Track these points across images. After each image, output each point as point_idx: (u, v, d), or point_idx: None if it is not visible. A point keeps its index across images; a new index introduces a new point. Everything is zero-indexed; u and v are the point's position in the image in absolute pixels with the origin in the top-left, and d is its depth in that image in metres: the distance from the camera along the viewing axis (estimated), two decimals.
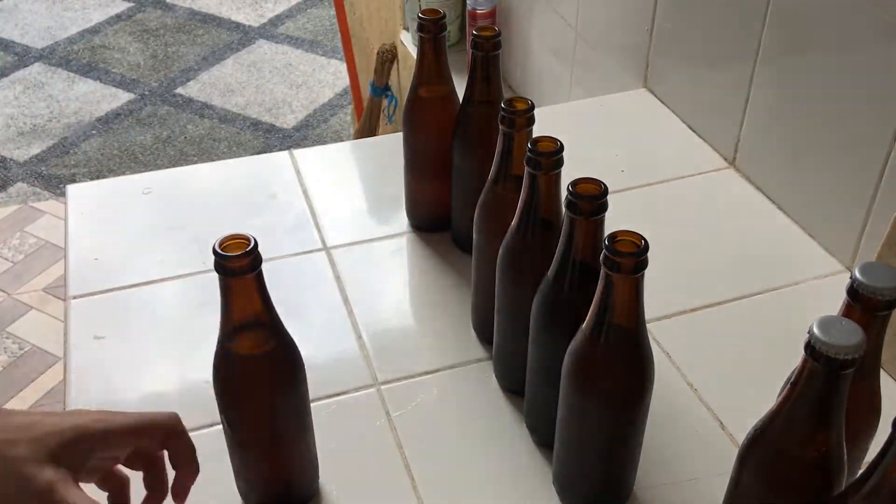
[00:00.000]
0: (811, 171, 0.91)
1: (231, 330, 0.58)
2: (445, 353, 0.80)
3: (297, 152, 1.05)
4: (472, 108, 0.81)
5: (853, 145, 0.84)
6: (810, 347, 0.47)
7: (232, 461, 0.65)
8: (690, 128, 1.10)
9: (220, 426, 0.64)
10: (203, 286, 0.87)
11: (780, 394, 0.51)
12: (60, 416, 0.56)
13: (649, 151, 1.07)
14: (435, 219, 0.93)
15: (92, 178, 2.58)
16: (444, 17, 0.81)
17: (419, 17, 0.81)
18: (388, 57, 1.95)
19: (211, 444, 0.72)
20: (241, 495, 0.67)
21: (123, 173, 2.62)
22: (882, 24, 0.78)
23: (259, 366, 0.60)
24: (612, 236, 0.54)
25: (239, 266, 0.54)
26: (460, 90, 0.84)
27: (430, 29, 0.81)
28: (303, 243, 0.92)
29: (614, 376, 0.59)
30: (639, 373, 0.59)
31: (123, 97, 2.99)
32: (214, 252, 0.54)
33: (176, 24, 3.40)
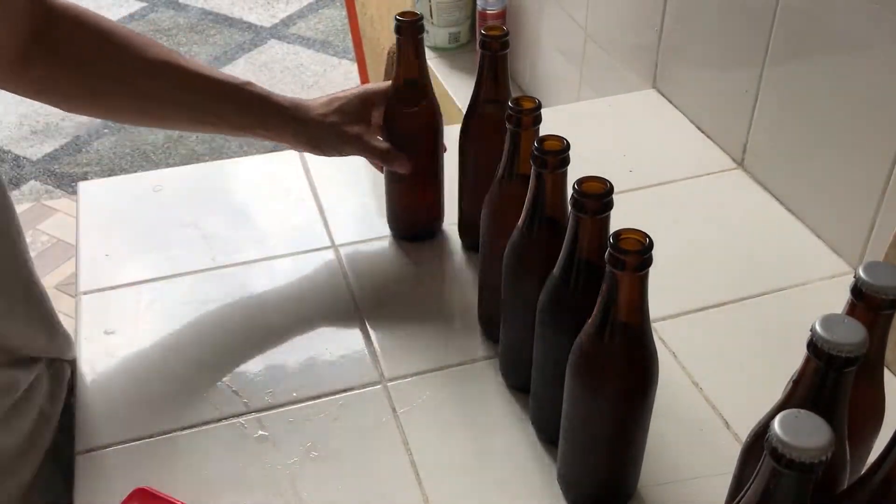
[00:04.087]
0: (819, 171, 0.91)
1: None
2: (452, 350, 0.81)
3: None
4: (480, 107, 0.82)
5: (861, 146, 0.84)
6: (813, 345, 0.47)
7: None
8: (699, 128, 1.10)
9: (230, 422, 0.64)
10: (213, 282, 0.87)
11: (783, 392, 0.52)
12: (343, 93, 0.86)
13: (657, 152, 1.07)
14: (421, 226, 0.94)
15: (104, 177, 2.60)
16: (421, 18, 0.82)
17: (396, 19, 0.81)
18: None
19: (221, 438, 0.73)
20: None
21: (135, 172, 2.63)
22: (890, 24, 0.78)
23: None
24: (617, 234, 0.54)
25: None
26: (469, 91, 0.84)
27: (408, 30, 0.82)
28: (311, 241, 0.93)
29: (619, 374, 0.60)
30: (643, 370, 0.59)
31: None
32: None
33: (188, 24, 3.42)
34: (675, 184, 1.02)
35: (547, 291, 0.64)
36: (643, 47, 1.18)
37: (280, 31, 3.40)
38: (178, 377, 0.79)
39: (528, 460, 0.71)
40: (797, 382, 0.49)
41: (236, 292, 0.86)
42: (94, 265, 0.90)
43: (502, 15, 1.58)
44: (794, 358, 0.50)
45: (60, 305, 0.80)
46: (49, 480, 0.73)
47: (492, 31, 0.77)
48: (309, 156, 1.04)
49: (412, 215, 0.93)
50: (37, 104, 2.94)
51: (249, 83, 0.81)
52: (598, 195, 0.58)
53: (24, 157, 2.73)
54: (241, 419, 0.74)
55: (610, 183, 0.59)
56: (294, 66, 3.18)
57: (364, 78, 2.42)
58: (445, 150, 0.88)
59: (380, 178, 0.92)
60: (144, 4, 3.53)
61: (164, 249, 0.92)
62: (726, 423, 0.74)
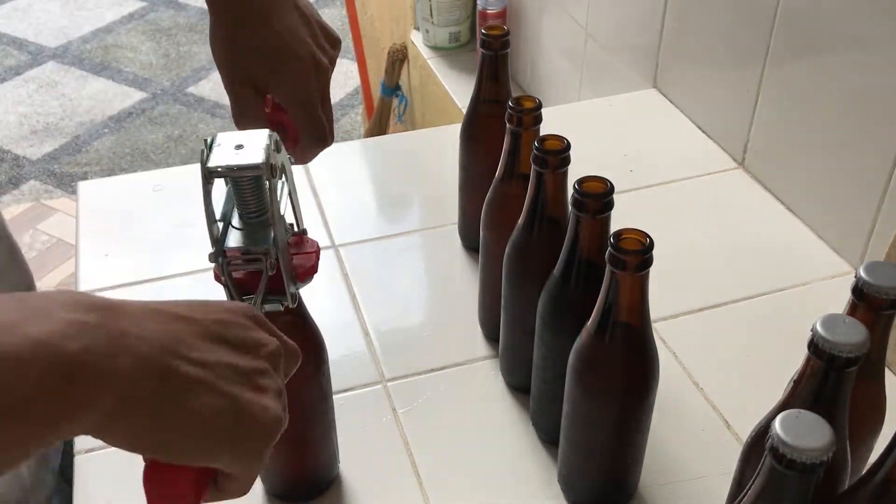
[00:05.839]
0: (820, 171, 0.91)
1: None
2: (452, 350, 0.81)
3: None
4: (480, 106, 0.82)
5: (862, 146, 0.84)
6: (814, 345, 0.47)
7: None
8: (699, 128, 1.10)
9: None
10: (213, 282, 0.87)
11: (784, 392, 0.52)
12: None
13: (658, 151, 1.07)
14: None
15: (104, 177, 2.60)
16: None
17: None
18: (398, 57, 1.95)
19: None
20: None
21: (135, 172, 2.63)
22: (890, 24, 0.78)
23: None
24: (618, 234, 0.54)
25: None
26: (469, 91, 0.84)
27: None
28: None
29: (619, 374, 0.59)
30: (643, 370, 0.59)
31: (136, 96, 3.01)
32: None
33: (188, 24, 3.42)
34: (675, 184, 1.02)
35: (547, 291, 0.64)
36: (644, 47, 1.18)
37: None
38: None
39: (528, 460, 0.71)
40: (798, 382, 0.49)
41: None
42: (94, 265, 0.90)
43: (503, 14, 1.57)
44: (795, 358, 0.50)
45: None
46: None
47: (492, 30, 0.77)
48: None
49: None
50: (37, 104, 2.95)
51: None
52: (598, 195, 0.58)
53: (23, 157, 2.73)
54: None
55: (610, 183, 0.58)
56: None
57: (364, 77, 2.42)
58: None
59: (382, 178, 0.92)
60: (144, 4, 3.53)
61: (164, 249, 0.92)
62: (727, 423, 0.74)
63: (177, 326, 0.39)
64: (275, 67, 0.64)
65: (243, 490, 0.42)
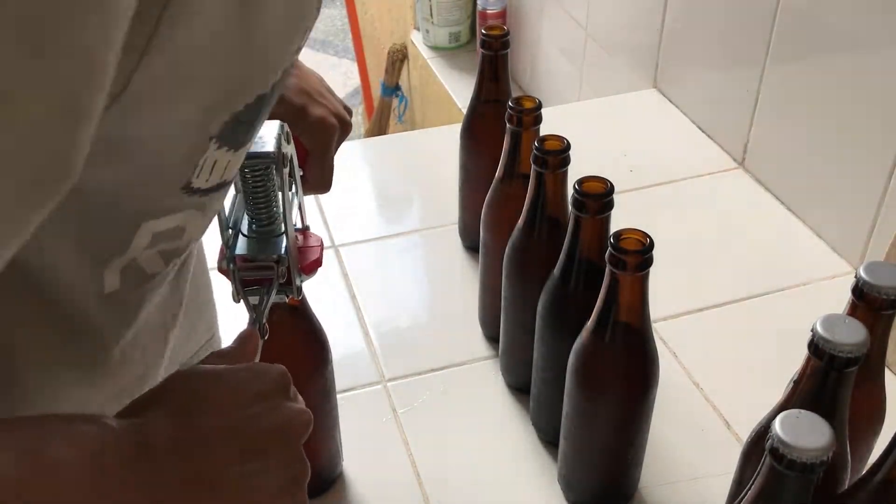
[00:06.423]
0: (820, 171, 0.91)
1: None
2: (452, 350, 0.80)
3: None
4: (480, 106, 0.82)
5: (862, 146, 0.84)
6: (814, 345, 0.47)
7: None
8: (699, 128, 1.10)
9: None
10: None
11: (784, 393, 0.52)
12: None
13: (658, 151, 1.07)
14: None
15: None
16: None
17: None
18: (398, 57, 1.95)
19: None
20: None
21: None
22: (890, 24, 0.78)
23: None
24: (618, 234, 0.54)
25: None
26: (469, 91, 0.84)
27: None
28: None
29: (619, 374, 0.59)
30: (643, 370, 0.59)
31: None
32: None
33: None
34: (675, 184, 1.02)
35: (547, 291, 0.64)
36: (644, 47, 1.18)
37: None
38: None
39: (528, 460, 0.71)
40: (798, 383, 0.49)
41: None
42: None
43: (502, 15, 1.58)
44: (795, 358, 0.50)
45: None
46: None
47: (492, 30, 0.77)
48: None
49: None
50: None
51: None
52: (598, 195, 0.58)
53: None
54: None
55: (610, 183, 0.58)
56: None
57: (364, 78, 2.42)
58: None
59: (382, 178, 0.92)
60: None
61: None
62: (727, 423, 0.74)
63: (211, 460, 0.38)
64: (304, 114, 0.64)
65: None
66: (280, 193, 0.53)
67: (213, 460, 0.38)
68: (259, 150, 0.51)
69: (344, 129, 0.68)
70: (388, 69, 1.98)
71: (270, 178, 0.53)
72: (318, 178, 0.67)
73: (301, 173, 0.61)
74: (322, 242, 0.58)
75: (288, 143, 0.54)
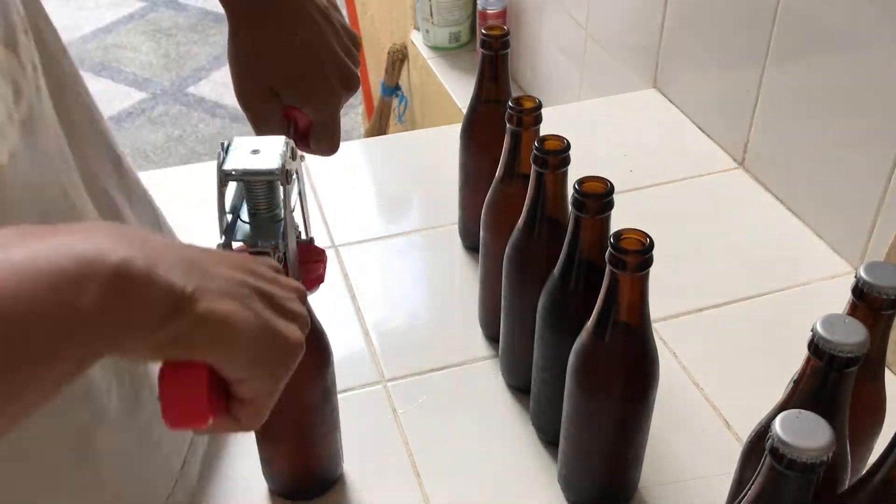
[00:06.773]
0: (820, 171, 0.91)
1: None
2: (452, 350, 0.80)
3: None
4: (480, 106, 0.82)
5: (862, 146, 0.84)
6: (814, 345, 0.47)
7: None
8: (699, 128, 1.10)
9: None
10: None
11: (784, 393, 0.52)
12: None
13: (658, 152, 1.07)
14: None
15: None
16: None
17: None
18: (398, 56, 1.95)
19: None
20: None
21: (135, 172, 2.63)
22: (890, 24, 0.78)
23: None
24: (618, 234, 0.54)
25: None
26: (469, 91, 0.84)
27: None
28: None
29: (619, 374, 0.59)
30: (643, 370, 0.59)
31: (136, 96, 3.00)
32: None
33: (188, 24, 3.42)
34: (675, 184, 1.02)
35: (547, 291, 0.64)
36: (644, 47, 1.18)
37: None
38: None
39: (528, 460, 0.71)
40: (798, 383, 0.49)
41: None
42: None
43: (502, 15, 1.57)
44: (795, 358, 0.50)
45: None
46: None
47: (492, 30, 0.77)
48: (309, 156, 1.04)
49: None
50: None
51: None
52: (598, 195, 0.58)
53: None
54: None
55: (610, 183, 0.58)
56: None
57: (364, 78, 2.42)
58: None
59: (382, 178, 0.92)
60: (144, 4, 3.53)
61: None
62: (727, 423, 0.74)
63: (203, 255, 0.39)
64: (304, 88, 0.63)
65: (255, 421, 0.42)
66: (283, 209, 0.53)
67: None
68: (263, 168, 0.52)
69: (349, 89, 0.66)
70: (388, 69, 1.98)
71: (274, 192, 0.54)
72: (326, 145, 0.68)
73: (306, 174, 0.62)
74: (326, 257, 0.58)
75: (293, 159, 0.54)
